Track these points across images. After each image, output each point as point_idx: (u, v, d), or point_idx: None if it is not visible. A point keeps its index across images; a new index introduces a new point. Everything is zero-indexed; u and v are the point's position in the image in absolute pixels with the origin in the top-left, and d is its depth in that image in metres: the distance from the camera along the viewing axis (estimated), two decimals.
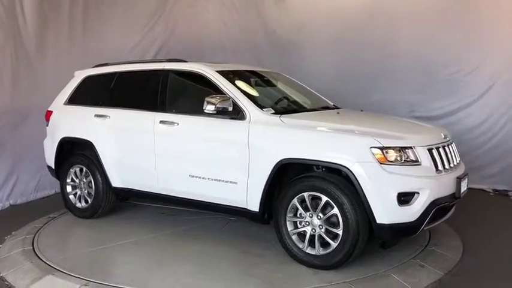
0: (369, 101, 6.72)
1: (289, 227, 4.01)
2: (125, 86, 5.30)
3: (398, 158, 3.73)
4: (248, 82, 4.90)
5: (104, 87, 5.37)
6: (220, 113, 4.25)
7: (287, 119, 4.19)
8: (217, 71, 4.63)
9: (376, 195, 3.64)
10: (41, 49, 6.45)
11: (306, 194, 3.91)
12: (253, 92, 4.75)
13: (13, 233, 5.03)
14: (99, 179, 5.18)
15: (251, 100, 4.36)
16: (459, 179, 4.02)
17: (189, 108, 4.65)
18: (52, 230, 5.09)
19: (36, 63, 6.42)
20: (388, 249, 4.13)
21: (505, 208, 6.01)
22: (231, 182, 4.28)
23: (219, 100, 4.21)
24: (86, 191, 5.35)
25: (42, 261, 4.19)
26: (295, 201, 3.96)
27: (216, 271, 3.95)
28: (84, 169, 5.32)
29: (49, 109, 5.70)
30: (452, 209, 4.29)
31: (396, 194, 3.63)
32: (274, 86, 5.32)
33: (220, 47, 8.36)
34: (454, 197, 4.01)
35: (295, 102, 5.09)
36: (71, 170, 5.44)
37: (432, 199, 3.75)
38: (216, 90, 4.47)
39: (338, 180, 3.81)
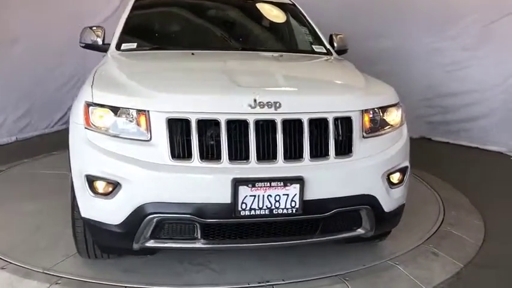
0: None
1: None
2: None
3: (112, 124, 2.40)
4: (193, 15, 4.20)
5: None
6: (93, 47, 3.67)
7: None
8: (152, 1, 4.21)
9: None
10: None
11: None
12: (166, 28, 4.17)
13: None
14: None
15: (129, 35, 3.67)
16: (236, 183, 2.30)
17: None
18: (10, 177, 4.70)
19: None
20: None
21: None
22: None
23: (85, 32, 3.67)
24: None
25: None
26: None
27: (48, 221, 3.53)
28: None
29: None
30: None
31: (84, 175, 2.46)
32: (253, 20, 4.43)
33: None
34: (230, 211, 2.36)
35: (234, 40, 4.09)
36: None
37: (143, 201, 2.36)
38: None
39: None
